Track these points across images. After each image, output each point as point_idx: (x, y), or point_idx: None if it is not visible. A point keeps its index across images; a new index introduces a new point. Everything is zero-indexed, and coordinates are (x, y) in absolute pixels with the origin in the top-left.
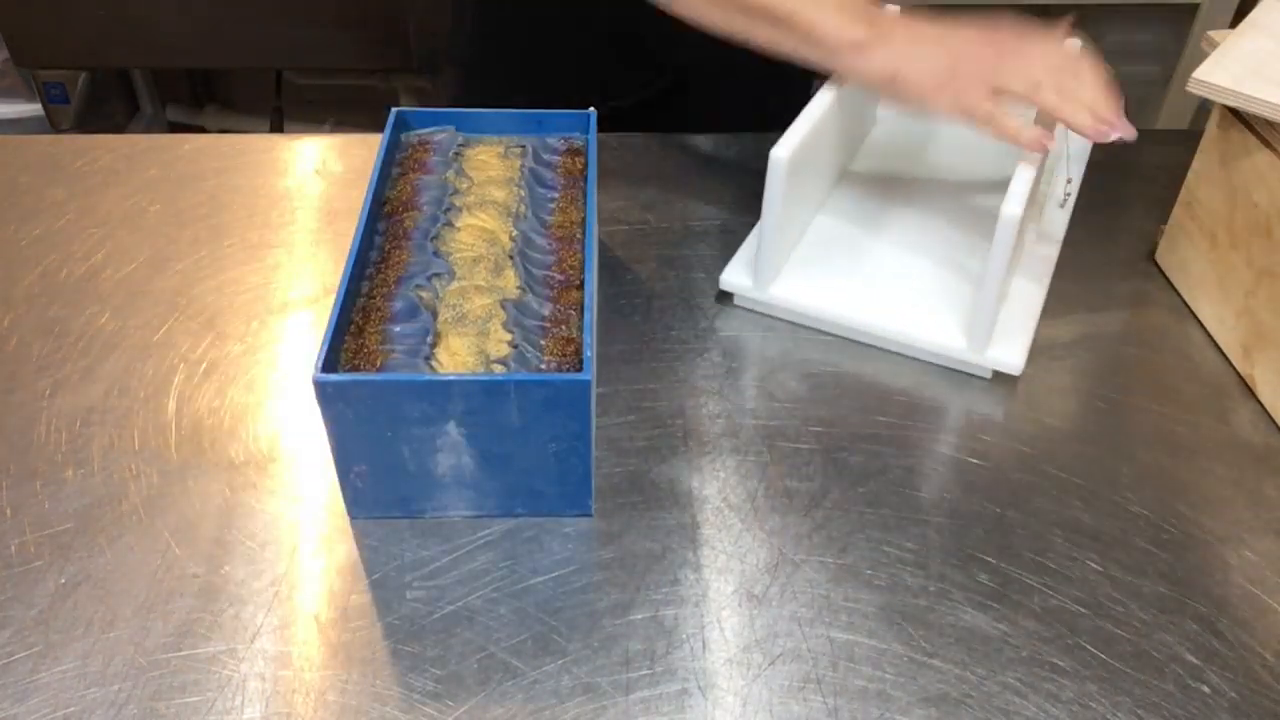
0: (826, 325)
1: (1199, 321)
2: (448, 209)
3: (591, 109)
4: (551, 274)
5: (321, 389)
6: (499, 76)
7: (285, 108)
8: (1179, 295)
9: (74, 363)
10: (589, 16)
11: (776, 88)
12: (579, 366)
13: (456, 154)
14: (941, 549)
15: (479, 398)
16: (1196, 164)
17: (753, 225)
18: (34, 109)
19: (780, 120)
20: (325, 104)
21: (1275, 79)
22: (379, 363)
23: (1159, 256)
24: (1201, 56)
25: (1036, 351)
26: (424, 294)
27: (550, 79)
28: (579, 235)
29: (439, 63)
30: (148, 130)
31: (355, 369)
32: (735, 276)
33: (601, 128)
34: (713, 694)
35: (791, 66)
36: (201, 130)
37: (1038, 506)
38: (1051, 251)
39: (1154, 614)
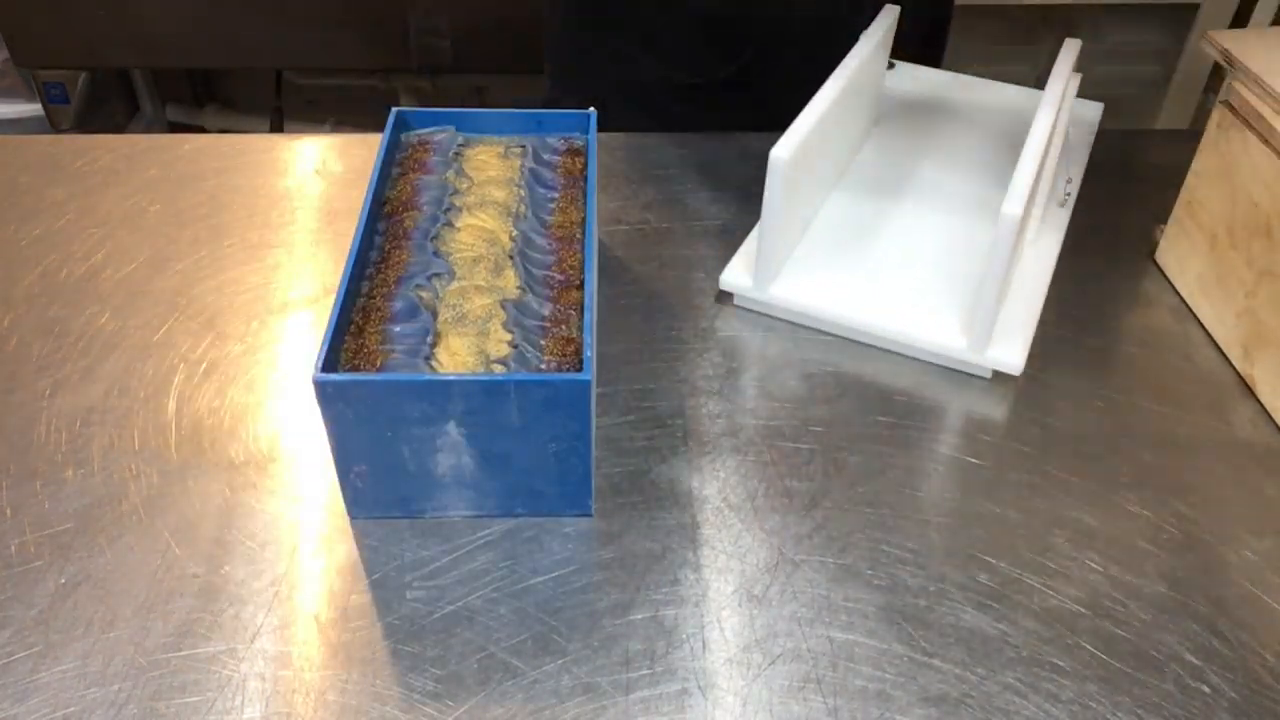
0: (826, 325)
1: (1199, 321)
2: (448, 209)
3: (591, 109)
4: (551, 274)
5: (321, 389)
6: (593, 53)
7: (285, 108)
8: (1179, 295)
9: (74, 363)
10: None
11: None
12: (579, 366)
13: (456, 154)
14: (941, 549)
15: (479, 398)
16: (1196, 164)
17: (753, 225)
18: (34, 109)
19: (781, 120)
20: (325, 104)
21: None
22: (379, 363)
23: (1159, 256)
24: (1202, 56)
25: (1036, 351)
26: (424, 294)
27: (639, 54)
28: (579, 235)
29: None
30: (148, 130)
31: (355, 369)
32: (735, 276)
33: (684, 104)
34: (713, 694)
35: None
36: (201, 130)
37: (1038, 506)
38: (1051, 251)
39: (1154, 614)
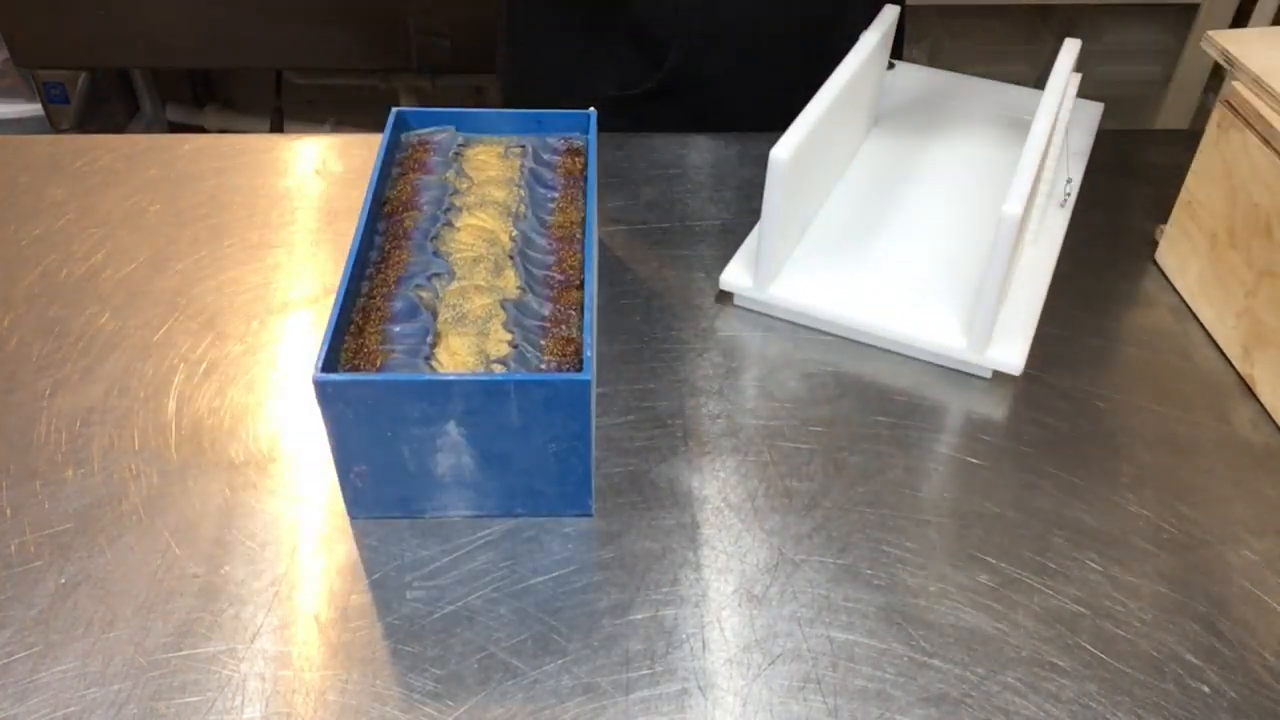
0: (826, 325)
1: (1199, 321)
2: (448, 209)
3: (591, 109)
4: (551, 274)
5: (321, 389)
6: (540, 62)
7: (285, 108)
8: (1179, 295)
9: (74, 363)
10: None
11: (783, 77)
12: (579, 366)
13: (456, 154)
14: (941, 549)
15: (479, 398)
16: (1196, 164)
17: (753, 225)
18: (34, 109)
19: (780, 120)
20: (325, 104)
21: None
22: (379, 363)
23: (1159, 256)
24: (1202, 56)
25: (1036, 351)
26: (424, 294)
27: (573, 70)
28: (579, 235)
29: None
30: (148, 130)
31: (355, 369)
32: (735, 276)
33: (617, 118)
34: (713, 694)
35: (798, 56)
36: (201, 130)
37: (1038, 506)
38: (1051, 251)
39: (1154, 614)
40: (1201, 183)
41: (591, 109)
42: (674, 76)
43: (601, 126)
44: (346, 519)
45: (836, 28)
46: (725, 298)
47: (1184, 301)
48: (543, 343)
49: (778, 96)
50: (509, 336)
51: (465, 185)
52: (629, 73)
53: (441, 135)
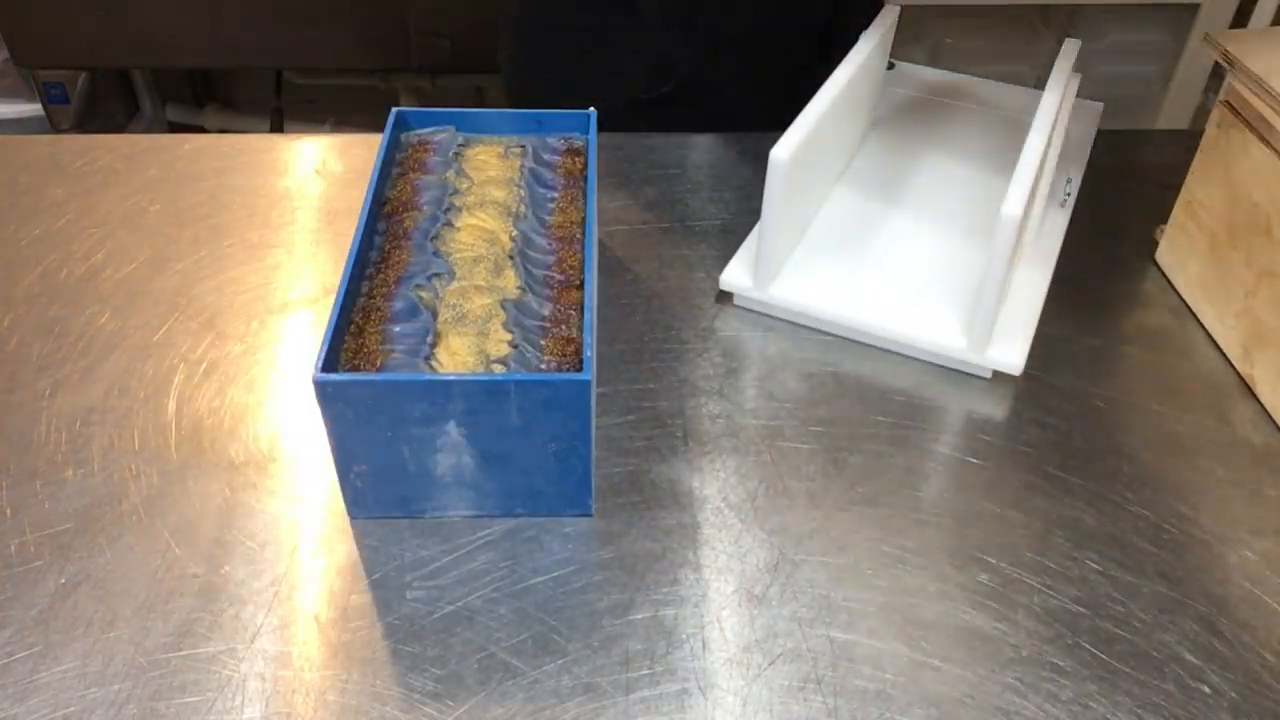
0: (826, 325)
1: (1199, 321)
2: (448, 209)
3: (591, 109)
4: (551, 274)
5: (321, 389)
6: (544, 72)
7: (285, 108)
8: (1179, 295)
9: (74, 363)
10: (614, 18)
11: (790, 80)
12: (579, 366)
13: (456, 154)
14: (941, 549)
15: (479, 398)
16: (1196, 164)
17: (753, 225)
18: (34, 109)
19: (780, 120)
20: (325, 104)
21: None
22: (379, 363)
23: (1159, 256)
24: (1202, 56)
25: (1036, 351)
26: (424, 294)
27: (585, 74)
28: (579, 235)
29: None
30: (148, 130)
31: (355, 369)
32: (735, 276)
33: (617, 120)
34: (713, 694)
35: (799, 56)
36: (201, 130)
37: (1038, 506)
38: (1051, 251)
39: (1154, 614)
40: (1201, 183)
41: (591, 109)
42: (690, 74)
43: (616, 128)
44: (346, 519)
45: (837, 28)
46: (725, 298)
47: (1184, 301)
48: (543, 343)
49: (779, 97)
50: (509, 336)
51: (465, 185)
52: (643, 75)
53: (441, 135)
